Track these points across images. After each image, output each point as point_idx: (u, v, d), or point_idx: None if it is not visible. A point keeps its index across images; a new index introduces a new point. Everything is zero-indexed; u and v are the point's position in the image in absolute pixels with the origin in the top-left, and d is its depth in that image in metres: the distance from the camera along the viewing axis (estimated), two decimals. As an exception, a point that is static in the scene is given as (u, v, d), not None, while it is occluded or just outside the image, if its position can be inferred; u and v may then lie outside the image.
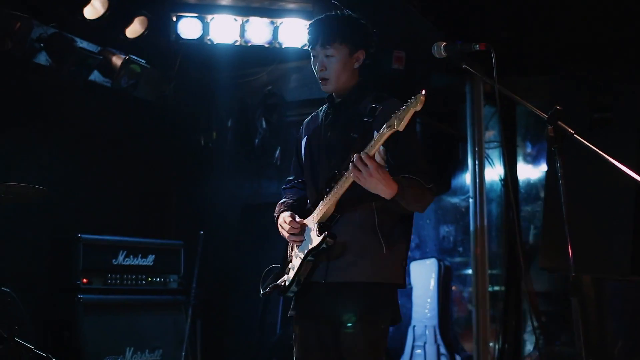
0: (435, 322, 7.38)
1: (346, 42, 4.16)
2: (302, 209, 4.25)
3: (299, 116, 8.20)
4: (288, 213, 4.22)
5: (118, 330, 6.79)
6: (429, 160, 4.16)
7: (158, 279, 7.24)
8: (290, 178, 4.50)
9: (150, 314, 7.10)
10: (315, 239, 4.02)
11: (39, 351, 4.93)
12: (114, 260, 6.93)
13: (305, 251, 4.06)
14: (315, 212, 4.09)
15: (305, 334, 4.16)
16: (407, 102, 3.69)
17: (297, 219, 4.16)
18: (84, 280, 6.67)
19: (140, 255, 7.12)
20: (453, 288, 7.81)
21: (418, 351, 7.44)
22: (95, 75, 7.15)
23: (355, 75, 4.23)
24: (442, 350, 7.31)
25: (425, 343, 7.39)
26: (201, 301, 7.38)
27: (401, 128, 3.71)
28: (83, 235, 6.70)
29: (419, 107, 3.64)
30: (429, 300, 7.38)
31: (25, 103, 6.82)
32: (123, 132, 7.73)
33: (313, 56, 4.28)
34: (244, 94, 8.33)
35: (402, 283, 4.13)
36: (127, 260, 7.02)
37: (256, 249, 8.10)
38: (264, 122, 8.16)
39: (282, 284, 4.17)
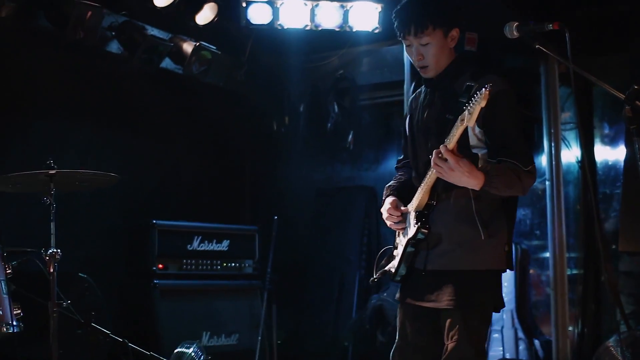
0: (512, 305, 7.28)
1: (439, 26, 3.96)
2: (409, 192, 4.17)
3: (371, 100, 8.18)
4: (390, 199, 4.20)
5: (194, 315, 6.84)
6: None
7: (233, 264, 7.27)
8: (400, 158, 4.43)
9: (225, 298, 7.14)
10: (412, 229, 4.00)
11: (116, 336, 4.99)
12: (189, 246, 6.98)
13: (405, 240, 4.04)
14: (414, 199, 4.05)
15: (404, 319, 4.14)
16: (475, 96, 3.59)
17: (399, 206, 4.13)
18: (160, 266, 6.73)
19: (215, 240, 7.15)
20: (531, 271, 7.70)
21: (495, 335, 7.35)
22: (167, 63, 7.18)
23: (452, 52, 4.09)
24: (520, 334, 7.20)
25: (502, 327, 7.30)
26: (276, 286, 7.40)
27: (471, 124, 3.61)
28: (158, 222, 6.76)
29: (483, 104, 3.55)
30: (505, 284, 7.29)
31: (97, 91, 6.89)
32: (195, 118, 7.76)
33: (406, 45, 4.09)
34: (315, 79, 8.30)
35: (505, 267, 4.05)
36: (202, 246, 7.06)
37: (330, 232, 8.10)
38: (336, 107, 8.13)
39: (390, 269, 4.15)
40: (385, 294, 7.30)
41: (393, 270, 4.11)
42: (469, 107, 3.57)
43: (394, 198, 4.20)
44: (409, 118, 4.25)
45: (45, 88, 6.50)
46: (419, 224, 3.96)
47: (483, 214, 3.94)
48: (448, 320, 3.95)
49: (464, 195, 3.93)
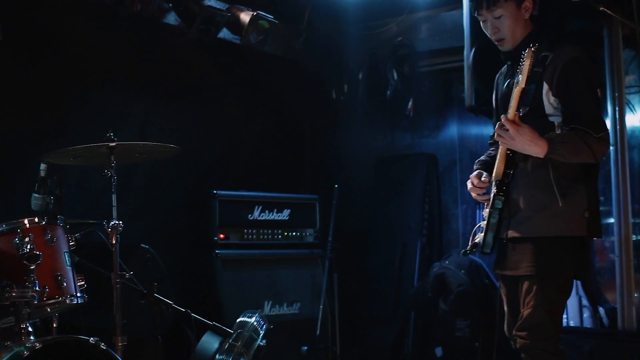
0: (576, 272, 7.20)
1: None
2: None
3: (430, 66, 8.08)
4: (476, 172, 4.30)
5: (256, 285, 6.88)
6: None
7: (294, 233, 7.28)
8: (492, 133, 4.46)
9: (287, 268, 7.17)
10: (491, 198, 4.09)
11: (179, 306, 5.03)
12: (249, 216, 7.00)
13: (488, 211, 4.11)
14: (494, 169, 4.12)
15: (502, 290, 4.31)
16: (522, 56, 3.66)
17: (484, 177, 4.22)
18: (221, 236, 6.77)
19: (275, 210, 7.16)
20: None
21: (559, 303, 7.29)
22: (224, 33, 7.17)
23: (529, 24, 4.14)
24: (584, 302, 7.11)
25: (566, 294, 7.23)
26: (337, 254, 7.40)
27: (522, 84, 3.71)
28: (219, 192, 6.79)
29: (528, 62, 3.62)
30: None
31: (156, 63, 6.90)
32: (254, 88, 7.75)
33: (482, 21, 4.20)
34: (374, 46, 8.24)
35: (587, 234, 4.05)
36: (262, 215, 7.08)
37: (391, 201, 8.07)
38: (395, 74, 8.06)
39: (479, 241, 4.21)
40: (447, 262, 7.26)
41: (480, 242, 4.18)
42: (519, 69, 3.67)
43: (479, 171, 4.30)
44: (495, 92, 4.33)
45: (105, 61, 6.53)
46: (496, 192, 4.04)
47: (561, 180, 3.99)
48: (525, 287, 4.03)
49: (542, 162, 3.97)
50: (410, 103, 8.07)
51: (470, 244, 4.30)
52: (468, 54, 6.44)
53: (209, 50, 7.20)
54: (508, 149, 4.02)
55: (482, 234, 4.16)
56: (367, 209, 8.20)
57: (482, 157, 4.47)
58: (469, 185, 4.29)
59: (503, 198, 4.03)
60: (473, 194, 4.28)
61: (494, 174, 4.10)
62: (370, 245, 8.18)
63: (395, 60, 8.10)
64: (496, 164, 4.08)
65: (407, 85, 8.07)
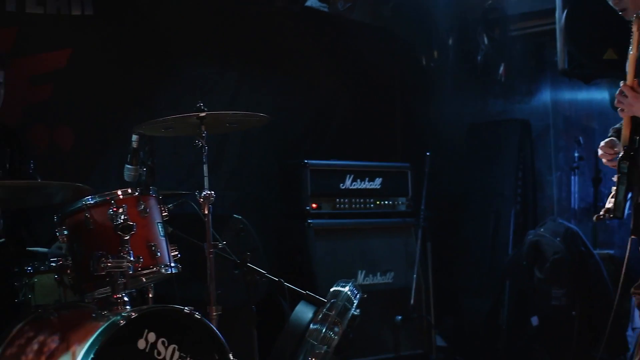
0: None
1: None
2: None
3: (521, 30, 7.92)
4: (608, 139, 4.30)
5: (349, 254, 6.86)
6: None
7: (386, 202, 7.23)
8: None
9: (379, 237, 7.13)
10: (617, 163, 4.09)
11: (272, 276, 5.04)
12: (341, 185, 6.98)
13: (617, 176, 4.11)
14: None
15: None
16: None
17: (614, 145, 4.23)
18: (313, 205, 6.76)
19: (367, 178, 7.13)
20: None
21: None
22: (312, 1, 7.16)
23: None
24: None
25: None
26: (430, 223, 7.33)
27: (634, 52, 3.69)
28: (310, 162, 6.78)
29: (634, 28, 3.58)
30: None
31: (245, 34, 6.90)
32: (343, 56, 7.70)
33: None
34: (463, 11, 8.11)
35: None
36: (354, 184, 7.05)
37: (484, 168, 7.95)
38: (485, 38, 7.93)
39: (610, 206, 4.18)
40: (542, 230, 7.14)
41: (612, 207, 4.15)
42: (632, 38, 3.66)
43: (611, 138, 4.30)
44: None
45: (194, 33, 6.57)
46: (622, 157, 4.05)
47: None
48: None
49: None
50: (501, 68, 7.94)
51: (603, 209, 4.25)
52: (560, 16, 6.30)
53: (297, 19, 7.17)
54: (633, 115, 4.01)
55: (613, 198, 4.13)
56: (460, 177, 8.10)
57: (617, 125, 4.40)
58: (600, 151, 4.30)
59: (627, 163, 4.02)
60: (604, 160, 4.30)
61: (621, 140, 4.11)
62: (463, 214, 8.09)
63: (486, 25, 7.96)
64: (623, 130, 4.10)
65: (498, 49, 7.93)
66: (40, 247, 4.77)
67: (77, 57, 6.17)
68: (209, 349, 4.01)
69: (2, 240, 4.66)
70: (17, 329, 4.10)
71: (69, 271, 4.28)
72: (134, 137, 4.57)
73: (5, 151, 5.02)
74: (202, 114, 4.52)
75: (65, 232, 4.22)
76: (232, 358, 4.02)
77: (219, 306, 4.45)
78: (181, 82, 6.63)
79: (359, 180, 7.07)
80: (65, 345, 3.79)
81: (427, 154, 7.32)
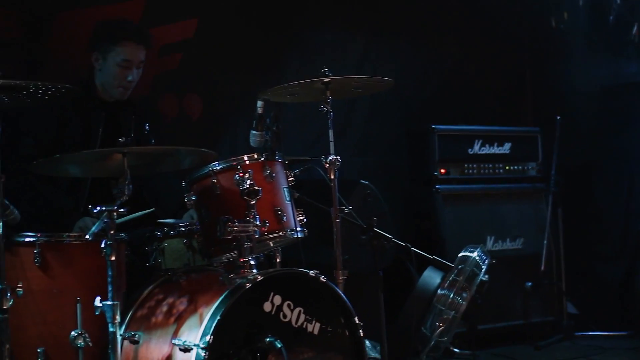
0: None
1: None
2: None
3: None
4: None
5: (477, 220, 6.78)
6: None
7: (515, 167, 7.11)
8: None
9: (509, 202, 7.02)
10: None
11: (399, 241, 5.02)
12: (469, 150, 6.90)
13: None
14: None
15: None
16: None
17: None
18: (442, 170, 6.71)
19: (496, 143, 7.03)
20: None
21: None
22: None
23: None
24: None
25: None
26: (561, 188, 7.16)
27: None
28: (437, 127, 6.71)
29: None
30: None
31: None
32: (469, 19, 7.58)
33: None
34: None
35: None
36: (483, 149, 6.96)
37: (617, 132, 7.72)
38: (618, -3, 7.68)
39: None
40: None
41: None
42: None
43: None
44: None
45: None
46: None
47: None
48: None
49: None
50: (635, 28, 7.66)
51: None
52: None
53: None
54: None
55: None
56: (592, 141, 7.88)
57: None
58: None
59: None
60: None
61: None
62: (595, 179, 7.87)
63: (619, -18, 7.70)
64: None
65: (632, 9, 7.65)
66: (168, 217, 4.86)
67: (204, 26, 6.26)
68: (334, 312, 4.03)
69: (152, 209, 4.79)
70: (148, 292, 4.21)
71: (197, 236, 4.37)
72: (259, 103, 4.61)
73: (130, 120, 5.15)
74: (327, 79, 4.53)
75: (193, 198, 4.28)
76: (357, 321, 4.02)
77: (345, 271, 4.47)
78: (308, 48, 6.64)
79: (487, 145, 6.98)
80: (193, 307, 3.86)
81: (558, 117, 7.14)
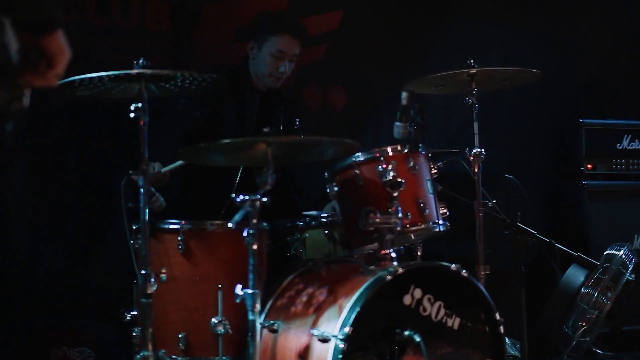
0: None
1: None
2: None
3: None
4: None
5: (624, 217, 6.57)
6: None
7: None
8: None
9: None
10: None
11: (542, 237, 4.93)
12: (618, 145, 6.69)
13: None
14: None
15: None
16: None
17: None
18: (588, 166, 6.53)
19: (646, 138, 6.80)
20: None
21: None
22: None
23: None
24: None
25: None
26: None
27: None
28: (585, 120, 6.54)
29: None
30: None
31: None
32: (620, 10, 7.33)
33: None
34: None
35: None
36: (632, 144, 6.74)
37: None
38: None
39: None
40: None
41: None
42: None
43: None
44: None
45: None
46: None
47: None
48: None
49: None
50: None
51: None
52: None
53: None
54: None
55: None
56: None
57: None
58: None
59: None
60: None
61: None
62: None
63: None
64: None
65: None
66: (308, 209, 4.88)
67: (349, 18, 6.27)
68: (475, 307, 3.96)
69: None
70: (288, 281, 4.23)
71: (338, 227, 4.37)
72: (404, 94, 4.56)
73: (280, 110, 5.20)
74: (473, 71, 4.47)
75: (336, 189, 4.29)
76: (498, 318, 3.95)
77: (487, 266, 4.40)
78: (453, 40, 6.58)
79: (637, 140, 6.74)
80: (333, 298, 3.86)
81: None
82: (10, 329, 5.02)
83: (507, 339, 4.14)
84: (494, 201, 4.61)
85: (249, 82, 5.17)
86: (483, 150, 4.50)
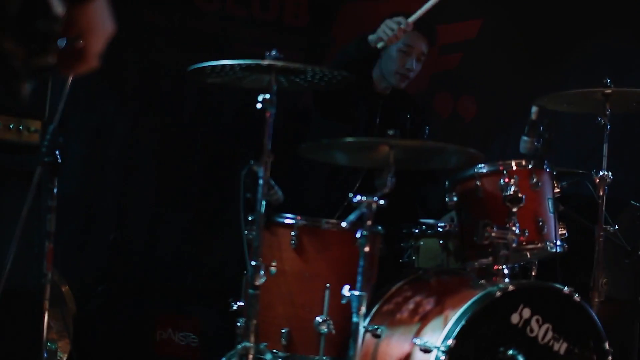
0: None
1: None
2: None
3: None
4: None
5: None
6: None
7: None
8: None
9: None
10: None
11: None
12: None
13: None
14: None
15: None
16: None
17: None
18: None
19: None
20: None
21: None
22: None
23: None
24: None
25: None
26: None
27: None
28: None
29: None
30: None
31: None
32: None
33: None
34: None
35: None
36: None
37: None
38: None
39: None
40: None
41: None
42: None
43: None
44: None
45: (606, 3, 6.34)
46: None
47: None
48: None
49: None
50: None
51: None
52: None
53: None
54: None
55: None
56: None
57: None
58: None
59: None
60: None
61: None
62: None
63: None
64: None
65: None
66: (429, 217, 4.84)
67: (487, 28, 6.19)
68: (584, 334, 3.85)
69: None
70: (397, 288, 4.19)
71: (453, 237, 4.32)
72: (534, 109, 4.48)
73: (406, 116, 5.15)
74: (608, 91, 4.35)
75: (455, 199, 4.24)
76: (608, 347, 3.83)
77: (602, 293, 4.28)
78: (590, 57, 6.42)
79: None
80: (440, 308, 3.82)
81: None
82: (121, 305, 5.14)
83: (615, 370, 4.01)
84: (616, 227, 4.49)
85: (371, 86, 5.14)
86: (610, 173, 4.37)
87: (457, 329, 3.59)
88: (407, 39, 4.95)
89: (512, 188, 4.02)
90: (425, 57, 5.08)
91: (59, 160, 3.73)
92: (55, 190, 3.75)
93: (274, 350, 4.00)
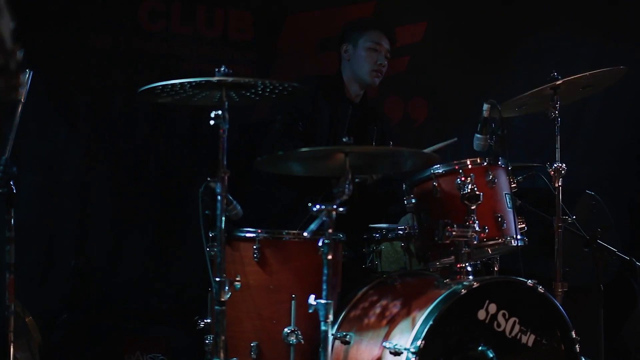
0: None
1: None
2: None
3: None
4: None
5: None
6: None
7: None
8: None
9: None
10: None
11: (623, 254, 4.84)
12: None
13: None
14: None
15: None
16: None
17: None
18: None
19: None
20: None
21: None
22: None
23: None
24: None
25: None
26: None
27: None
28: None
29: None
30: None
31: (602, 3, 6.66)
32: None
33: None
34: None
35: None
36: None
37: None
38: None
39: None
40: None
41: None
42: None
43: None
44: None
45: (548, 2, 6.42)
46: None
47: None
48: None
49: None
50: None
51: None
52: None
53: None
54: None
55: None
56: None
57: None
58: None
59: None
60: None
61: None
62: None
63: None
64: None
65: None
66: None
67: (432, 29, 6.25)
68: (550, 325, 3.89)
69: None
70: (362, 293, 4.21)
71: (414, 240, 4.34)
72: (485, 107, 4.51)
73: (373, 129, 5.19)
74: (559, 82, 4.41)
75: (413, 201, 4.26)
76: (575, 336, 3.88)
77: (565, 283, 4.33)
78: (535, 52, 6.50)
79: None
80: (406, 310, 3.83)
81: None
82: (87, 331, 5.10)
83: (582, 358, 4.05)
84: (574, 217, 4.54)
85: (342, 93, 5.17)
86: (564, 165, 4.42)
87: (425, 330, 3.60)
88: (374, 37, 5.04)
89: (469, 186, 4.06)
90: (389, 54, 5.15)
91: (14, 191, 3.70)
92: (13, 221, 3.72)
93: (245, 365, 4.01)
